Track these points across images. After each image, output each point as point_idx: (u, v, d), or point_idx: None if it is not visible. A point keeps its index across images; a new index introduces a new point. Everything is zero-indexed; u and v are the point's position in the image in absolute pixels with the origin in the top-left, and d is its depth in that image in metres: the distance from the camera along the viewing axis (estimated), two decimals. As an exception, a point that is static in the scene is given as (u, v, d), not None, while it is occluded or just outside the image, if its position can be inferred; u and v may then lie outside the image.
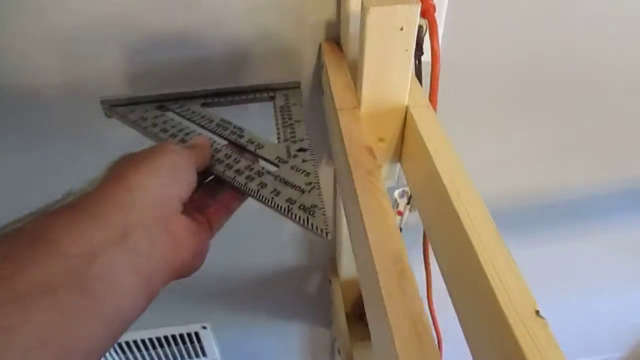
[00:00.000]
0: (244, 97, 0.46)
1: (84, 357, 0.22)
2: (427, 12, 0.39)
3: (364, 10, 0.33)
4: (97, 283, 0.24)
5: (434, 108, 0.40)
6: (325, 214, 0.33)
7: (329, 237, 0.32)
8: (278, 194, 0.35)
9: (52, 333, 0.21)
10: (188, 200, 0.32)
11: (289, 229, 0.69)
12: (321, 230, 0.33)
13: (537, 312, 0.22)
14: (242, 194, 0.37)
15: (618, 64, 0.54)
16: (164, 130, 0.41)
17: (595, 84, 0.55)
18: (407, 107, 0.38)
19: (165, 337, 0.88)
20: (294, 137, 0.41)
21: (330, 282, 0.77)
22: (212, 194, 0.38)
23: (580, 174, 0.69)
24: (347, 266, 0.68)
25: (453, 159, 0.32)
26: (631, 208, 0.76)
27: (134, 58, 0.42)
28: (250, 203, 0.37)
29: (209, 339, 0.89)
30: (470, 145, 0.59)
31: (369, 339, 0.30)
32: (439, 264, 0.32)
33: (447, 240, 0.30)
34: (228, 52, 0.44)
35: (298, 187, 0.35)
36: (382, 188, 0.31)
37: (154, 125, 0.42)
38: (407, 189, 0.62)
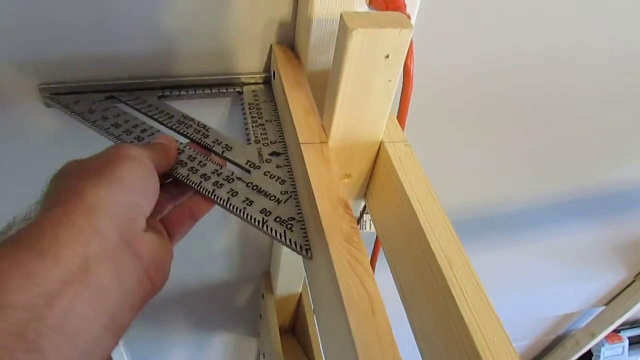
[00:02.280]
0: (207, 91, 0.42)
1: None
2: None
3: (344, 31, 0.28)
4: (52, 336, 0.20)
5: (402, 128, 0.37)
6: (304, 228, 0.31)
7: (310, 255, 0.31)
8: (251, 203, 0.32)
9: None
10: None
11: (221, 241, 0.65)
12: (300, 247, 0.30)
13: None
14: (208, 201, 0.34)
15: (560, 92, 0.58)
16: (116, 126, 0.37)
17: (539, 106, 0.59)
18: (381, 143, 0.35)
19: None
20: (265, 138, 0.38)
21: (262, 296, 0.74)
22: (172, 197, 0.34)
23: (515, 189, 0.74)
24: (283, 283, 0.66)
25: (432, 202, 0.30)
26: (557, 219, 0.84)
27: (78, 37, 0.37)
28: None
29: (119, 353, 0.82)
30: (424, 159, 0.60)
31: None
32: (400, 289, 0.32)
33: (419, 280, 0.29)
34: (184, 40, 0.40)
35: (273, 196, 0.33)
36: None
37: (104, 118, 0.37)
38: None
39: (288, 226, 0.31)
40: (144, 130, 0.37)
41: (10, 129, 0.41)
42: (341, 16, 0.28)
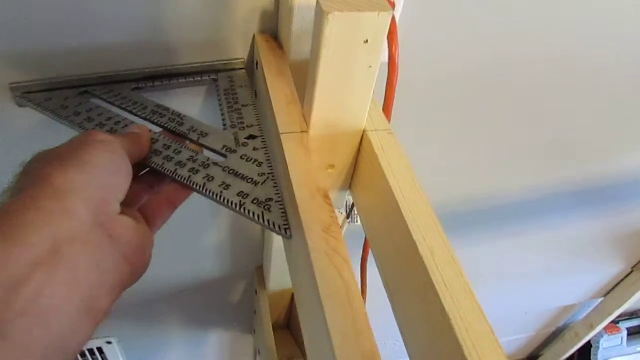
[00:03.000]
0: (181, 80, 0.40)
1: None
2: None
3: (320, 15, 0.26)
4: (19, 320, 0.19)
5: (388, 119, 0.36)
6: (282, 208, 0.30)
7: (289, 234, 0.30)
8: (227, 187, 0.31)
9: None
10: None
11: (212, 236, 0.64)
12: (279, 227, 0.29)
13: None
14: (185, 187, 0.33)
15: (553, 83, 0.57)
16: (89, 120, 0.36)
17: (535, 97, 0.58)
18: (364, 131, 0.34)
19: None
20: (242, 122, 0.37)
21: (255, 292, 0.73)
22: (149, 187, 0.34)
23: (514, 181, 0.74)
24: (276, 278, 0.65)
25: (415, 190, 0.29)
26: (554, 212, 0.84)
27: (48, 31, 0.36)
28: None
29: (114, 353, 0.81)
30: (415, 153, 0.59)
31: (297, 356, 0.27)
32: (385, 282, 0.31)
33: (402, 272, 0.28)
34: (157, 30, 0.38)
35: (250, 178, 0.32)
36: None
37: (76, 114, 0.36)
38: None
39: (266, 207, 0.30)
40: (117, 122, 0.36)
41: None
42: (317, 0, 0.27)
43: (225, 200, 0.31)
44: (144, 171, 0.34)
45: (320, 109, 0.31)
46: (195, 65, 0.41)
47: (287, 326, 0.78)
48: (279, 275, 0.64)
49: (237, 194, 0.31)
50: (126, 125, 0.36)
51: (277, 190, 0.31)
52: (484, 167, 0.69)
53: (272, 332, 0.69)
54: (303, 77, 0.40)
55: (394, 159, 0.32)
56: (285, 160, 0.30)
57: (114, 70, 0.39)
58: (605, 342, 1.47)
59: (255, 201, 0.30)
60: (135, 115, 0.37)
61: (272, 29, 0.41)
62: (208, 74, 0.41)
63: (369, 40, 0.28)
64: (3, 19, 0.34)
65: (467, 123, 0.59)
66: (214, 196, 0.31)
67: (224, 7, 0.38)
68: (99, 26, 0.37)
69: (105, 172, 0.26)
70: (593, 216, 0.91)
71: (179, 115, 0.37)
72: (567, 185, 0.78)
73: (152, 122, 0.37)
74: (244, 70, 0.42)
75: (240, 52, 0.42)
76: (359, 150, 0.35)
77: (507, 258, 0.94)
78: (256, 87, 0.41)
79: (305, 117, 0.33)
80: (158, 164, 0.33)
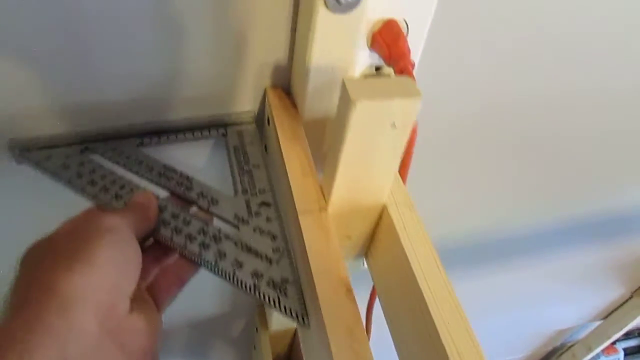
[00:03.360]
0: (188, 134, 0.38)
1: None
2: (405, 70, 0.36)
3: (347, 102, 0.25)
4: None
5: (403, 180, 0.35)
6: (299, 290, 0.29)
7: (307, 323, 0.28)
8: (241, 266, 0.30)
9: None
10: None
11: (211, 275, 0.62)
12: (297, 314, 0.28)
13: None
14: (195, 263, 0.31)
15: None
16: (92, 183, 0.34)
17: (539, 138, 0.57)
18: (384, 206, 0.32)
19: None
20: (253, 187, 0.35)
21: (257, 329, 0.71)
22: (156, 260, 0.32)
23: (515, 216, 0.73)
24: (278, 319, 0.63)
25: (437, 274, 0.28)
26: (557, 244, 0.85)
27: (48, 87, 0.34)
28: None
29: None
30: (428, 189, 0.58)
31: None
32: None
33: (417, 345, 0.27)
34: (163, 85, 0.36)
35: (264, 255, 0.30)
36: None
37: (79, 176, 0.34)
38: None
39: (282, 290, 0.29)
40: (122, 187, 0.34)
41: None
42: (343, 84, 0.25)
43: (239, 282, 0.29)
44: (150, 243, 0.32)
45: (340, 189, 0.30)
46: (203, 119, 0.39)
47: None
48: (281, 318, 0.62)
49: (251, 274, 0.29)
50: (131, 190, 0.33)
51: (293, 269, 0.29)
52: (486, 203, 0.68)
53: (273, 369, 0.68)
54: (318, 135, 0.39)
55: (415, 237, 0.30)
56: (304, 244, 0.28)
57: (117, 126, 0.37)
58: (602, 363, 1.47)
59: (270, 283, 0.29)
60: (141, 177, 0.35)
61: (285, 84, 0.40)
62: (217, 129, 0.39)
63: (396, 124, 0.27)
64: (2, 76, 0.32)
65: (471, 162, 0.58)
66: (227, 277, 0.29)
67: (235, 62, 0.36)
68: (102, 83, 0.35)
69: (115, 269, 0.24)
70: (594, 247, 0.91)
71: (187, 178, 0.35)
72: (568, 219, 0.78)
73: (160, 186, 0.35)
74: (253, 125, 0.40)
75: (249, 105, 0.40)
76: (377, 222, 0.34)
77: (507, 287, 0.94)
78: (267, 142, 0.39)
79: (324, 193, 0.31)
80: (167, 238, 0.31)
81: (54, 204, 0.36)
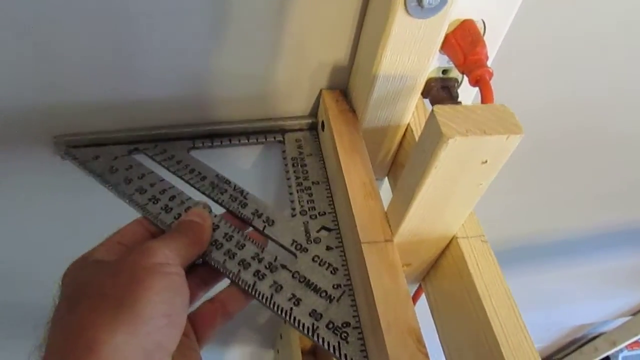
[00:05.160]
0: (243, 140, 0.36)
1: None
2: (482, 80, 0.33)
3: (437, 137, 0.22)
4: None
5: None
6: (361, 337, 0.26)
7: None
8: (298, 302, 0.27)
9: None
10: None
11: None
12: None
13: None
14: (247, 295, 0.29)
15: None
16: (141, 191, 0.32)
17: (587, 148, 0.54)
18: (454, 237, 0.30)
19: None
20: (312, 208, 0.32)
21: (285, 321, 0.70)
22: (204, 283, 0.30)
23: (567, 221, 0.72)
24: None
25: (510, 312, 0.26)
26: (590, 247, 0.83)
27: (99, 82, 0.31)
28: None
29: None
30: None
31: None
32: None
33: None
34: (216, 84, 0.34)
35: (324, 292, 0.28)
36: None
37: (127, 181, 0.32)
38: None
39: (343, 335, 0.26)
40: (172, 198, 0.32)
41: (23, 179, 0.36)
42: (432, 115, 0.22)
43: (296, 322, 0.27)
44: (199, 262, 0.30)
45: (412, 221, 0.27)
46: (259, 123, 0.36)
47: (314, 353, 0.76)
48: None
49: (310, 314, 0.27)
50: (182, 203, 0.31)
51: (354, 310, 0.27)
52: (539, 208, 0.66)
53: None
54: (377, 143, 0.36)
55: (487, 273, 0.28)
56: (370, 284, 0.26)
57: (168, 127, 0.35)
58: (624, 357, 1.45)
59: (330, 326, 0.26)
60: (193, 186, 0.33)
61: (341, 85, 0.36)
62: (273, 134, 0.36)
63: (488, 161, 0.24)
64: (47, 66, 0.30)
65: (517, 169, 0.55)
66: (283, 313, 0.27)
67: (293, 61, 0.33)
68: (153, 80, 0.32)
69: (159, 324, 0.22)
70: (630, 251, 0.88)
71: (241, 192, 0.33)
72: (607, 225, 0.76)
73: (212, 199, 0.32)
74: (311, 132, 0.37)
75: (303, 107, 0.37)
76: (443, 251, 0.31)
77: (534, 286, 0.93)
78: (323, 149, 0.36)
79: (390, 222, 0.29)
80: (219, 263, 0.29)
81: (97, 202, 0.35)
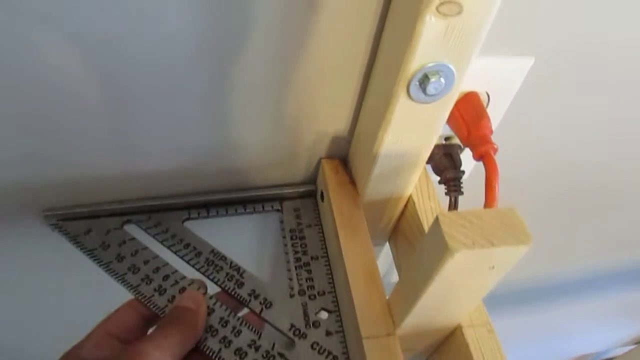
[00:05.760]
0: (239, 209, 0.35)
1: None
2: (486, 156, 0.32)
3: (441, 246, 0.21)
4: None
5: None
6: None
7: None
8: None
9: None
10: None
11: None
12: None
13: None
14: None
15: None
16: (134, 270, 0.31)
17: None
18: (459, 326, 0.28)
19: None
20: (312, 287, 0.31)
21: None
22: None
23: (575, 263, 0.72)
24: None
25: None
26: (598, 286, 0.82)
27: (93, 155, 0.30)
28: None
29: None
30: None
31: None
32: None
33: None
34: (217, 156, 0.33)
35: None
36: None
37: (120, 259, 0.31)
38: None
39: None
40: (166, 277, 0.30)
41: (10, 249, 0.35)
42: (437, 223, 0.21)
43: None
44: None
45: (415, 318, 0.26)
46: (256, 192, 0.35)
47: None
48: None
49: None
50: (176, 282, 0.30)
51: (356, 406, 0.26)
52: (548, 252, 0.64)
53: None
54: (376, 215, 0.35)
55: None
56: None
57: (162, 197, 0.34)
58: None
59: None
60: (188, 263, 0.32)
61: (341, 153, 0.36)
62: (271, 203, 0.35)
63: (495, 267, 0.22)
64: (40, 138, 0.29)
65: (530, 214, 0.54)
66: None
67: (293, 133, 0.33)
68: (147, 154, 0.31)
69: None
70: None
71: (238, 270, 0.32)
72: (616, 265, 0.76)
73: (207, 277, 0.31)
74: (310, 200, 0.36)
75: (302, 174, 0.36)
76: (447, 337, 0.30)
77: (539, 321, 0.91)
78: (323, 222, 0.35)
79: (393, 314, 0.27)
80: (214, 352, 0.27)
81: (86, 277, 0.34)
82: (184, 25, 0.24)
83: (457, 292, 0.24)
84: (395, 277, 0.40)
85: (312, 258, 0.33)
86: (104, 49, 0.24)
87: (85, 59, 0.25)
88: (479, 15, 0.23)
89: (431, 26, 0.23)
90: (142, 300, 0.29)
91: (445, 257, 0.21)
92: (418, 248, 0.24)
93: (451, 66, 0.25)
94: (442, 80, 0.25)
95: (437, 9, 0.22)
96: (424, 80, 0.25)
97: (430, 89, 0.25)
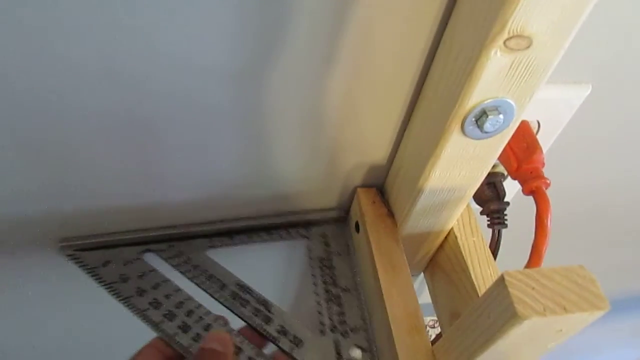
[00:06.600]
0: (264, 235, 0.33)
1: None
2: (538, 192, 0.29)
3: (508, 310, 0.19)
4: None
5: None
6: None
7: None
8: None
9: None
10: None
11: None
12: None
13: None
14: None
15: None
16: (156, 305, 0.29)
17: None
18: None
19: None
20: (344, 322, 0.29)
21: None
22: None
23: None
24: None
25: None
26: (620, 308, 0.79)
27: (115, 187, 0.28)
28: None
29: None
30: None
31: None
32: None
33: None
34: (245, 186, 0.31)
35: None
36: None
37: (140, 293, 0.29)
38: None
39: None
40: (189, 313, 0.28)
41: (24, 285, 0.33)
42: (504, 284, 0.19)
43: None
44: None
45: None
46: (282, 218, 0.33)
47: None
48: None
49: None
50: (200, 318, 0.28)
51: None
52: None
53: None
54: (414, 247, 0.33)
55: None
56: None
57: (184, 225, 0.32)
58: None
59: None
60: (212, 296, 0.30)
61: (377, 182, 0.33)
62: (297, 229, 0.33)
63: (563, 330, 0.20)
64: (58, 174, 0.27)
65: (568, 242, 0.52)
66: None
67: (328, 164, 0.30)
68: (169, 185, 0.29)
69: None
70: None
71: (265, 304, 0.30)
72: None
73: (233, 312, 0.29)
74: (338, 225, 0.34)
75: (332, 201, 0.34)
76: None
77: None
78: (358, 255, 0.33)
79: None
80: (243, 400, 0.26)
81: (106, 310, 0.32)
82: (222, 59, 0.22)
83: (517, 353, 0.22)
84: (422, 299, 0.38)
85: (342, 290, 0.31)
86: (135, 85, 0.22)
87: (116, 94, 0.23)
88: (549, 49, 0.21)
89: (496, 61, 0.21)
90: (166, 338, 0.27)
91: (512, 323, 0.19)
92: (476, 306, 0.22)
93: (512, 101, 0.23)
94: (501, 116, 0.23)
95: (504, 43, 0.20)
96: (481, 117, 0.23)
97: (488, 126, 0.23)
